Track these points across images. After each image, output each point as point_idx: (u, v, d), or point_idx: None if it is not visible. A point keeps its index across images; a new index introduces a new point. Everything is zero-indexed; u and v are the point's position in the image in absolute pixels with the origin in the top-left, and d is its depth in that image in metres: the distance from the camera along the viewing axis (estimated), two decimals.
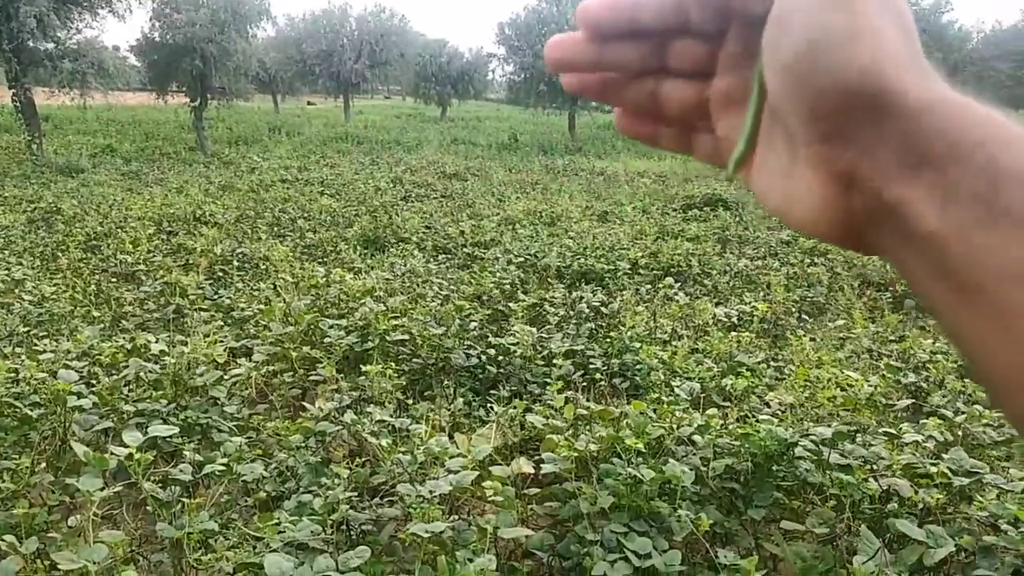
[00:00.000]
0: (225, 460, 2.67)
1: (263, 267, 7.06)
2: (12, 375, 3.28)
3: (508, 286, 6.28)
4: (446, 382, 4.11)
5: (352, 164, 17.59)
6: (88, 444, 2.80)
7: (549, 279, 6.94)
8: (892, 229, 0.31)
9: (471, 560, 2.07)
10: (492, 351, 4.34)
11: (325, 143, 23.72)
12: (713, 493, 2.69)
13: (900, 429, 2.93)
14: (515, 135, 27.18)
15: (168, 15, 20.08)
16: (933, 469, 2.58)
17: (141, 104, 30.93)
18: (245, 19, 21.67)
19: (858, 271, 7.23)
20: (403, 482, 2.50)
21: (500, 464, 2.73)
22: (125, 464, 2.40)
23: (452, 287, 6.24)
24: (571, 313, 5.55)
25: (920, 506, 2.52)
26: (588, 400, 3.64)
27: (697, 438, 2.86)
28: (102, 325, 5.07)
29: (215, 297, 5.87)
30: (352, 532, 2.47)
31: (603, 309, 5.70)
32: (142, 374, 3.57)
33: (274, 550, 2.14)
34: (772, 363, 4.53)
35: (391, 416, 3.16)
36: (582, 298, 5.89)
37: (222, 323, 5.05)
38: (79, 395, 3.04)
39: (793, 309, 6.13)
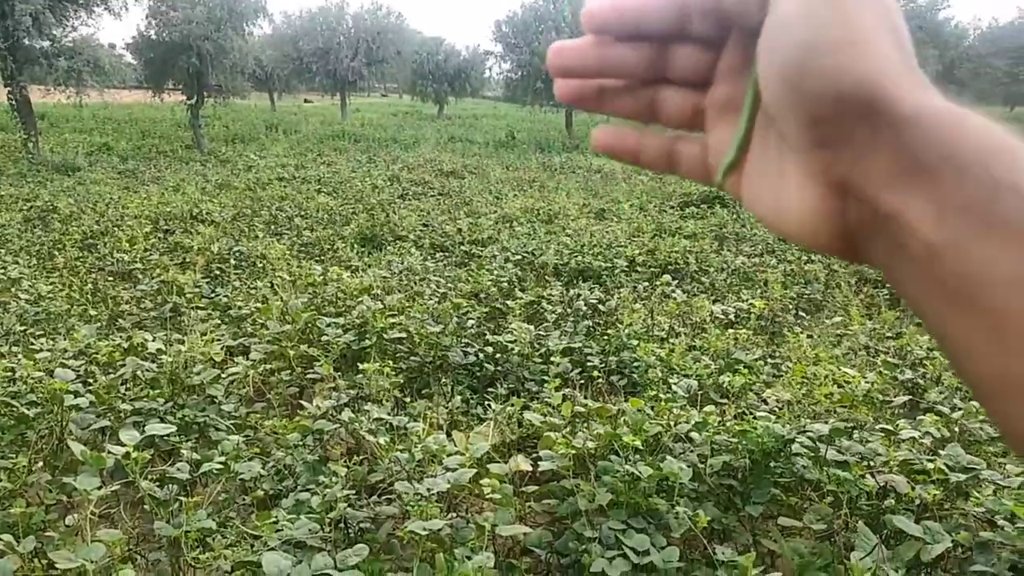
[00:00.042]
0: (223, 458, 2.67)
1: (260, 265, 7.05)
2: (9, 374, 3.28)
3: (506, 284, 6.28)
4: (444, 380, 4.11)
5: (349, 162, 17.57)
6: (85, 443, 2.79)
7: (547, 277, 6.94)
8: (885, 238, 0.31)
9: (469, 558, 2.07)
10: (490, 349, 4.34)
11: (322, 141, 23.69)
12: (711, 490, 2.69)
13: (897, 425, 2.94)
14: (512, 133, 27.17)
15: (164, 12, 20.04)
16: (930, 465, 2.58)
17: (137, 102, 30.87)
18: (241, 16, 21.63)
19: (855, 268, 7.24)
20: (401, 480, 2.50)
21: (498, 462, 2.73)
22: (122, 463, 2.40)
23: (449, 285, 6.23)
24: (568, 311, 5.55)
25: (917, 502, 2.53)
26: (586, 397, 3.64)
27: (695, 435, 2.86)
28: (99, 324, 5.06)
29: (212, 295, 5.86)
30: (350, 530, 2.47)
31: (600, 307, 5.71)
32: (139, 373, 3.56)
33: (272, 548, 2.13)
34: (769, 360, 4.54)
35: (389, 414, 3.16)
36: (579, 296, 5.89)
37: (219, 321, 5.04)
38: (76, 394, 3.04)
39: (790, 306, 6.14)
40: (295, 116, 33.01)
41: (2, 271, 6.19)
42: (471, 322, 4.86)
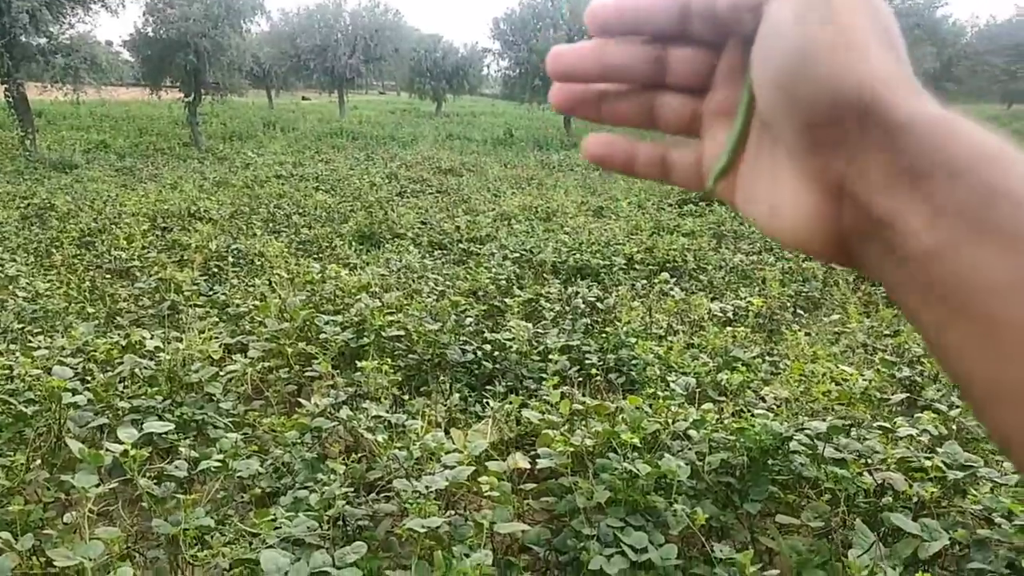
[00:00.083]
0: (221, 456, 2.67)
1: (258, 263, 7.05)
2: (6, 372, 3.27)
3: (504, 282, 6.27)
4: (442, 378, 4.11)
5: (347, 160, 17.55)
6: (83, 441, 2.79)
7: (545, 275, 6.94)
8: (879, 242, 0.31)
9: (468, 555, 2.07)
10: (488, 347, 4.34)
11: (320, 138, 23.65)
12: (709, 487, 2.69)
13: (895, 423, 2.94)
14: (510, 130, 27.16)
15: (161, 10, 19.99)
16: (927, 463, 2.59)
17: (135, 99, 30.80)
18: (239, 14, 21.57)
19: None
20: (399, 478, 2.50)
21: (496, 459, 2.73)
22: (120, 460, 2.40)
23: (448, 283, 6.23)
24: (567, 309, 5.55)
25: (915, 500, 2.54)
26: (584, 395, 3.65)
27: (693, 433, 2.86)
28: (97, 321, 5.05)
29: (210, 293, 5.86)
30: (348, 528, 2.47)
31: (599, 304, 5.71)
32: (137, 370, 3.56)
33: (270, 546, 2.14)
34: (767, 358, 4.54)
35: (387, 412, 3.16)
36: (578, 293, 5.89)
37: (217, 319, 5.04)
38: (74, 392, 3.03)
39: (788, 304, 6.15)
40: (293, 114, 32.96)
41: (0, 269, 6.18)
42: (469, 320, 4.86)
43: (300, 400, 3.53)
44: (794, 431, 2.76)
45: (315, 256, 7.58)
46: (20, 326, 4.70)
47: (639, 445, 2.66)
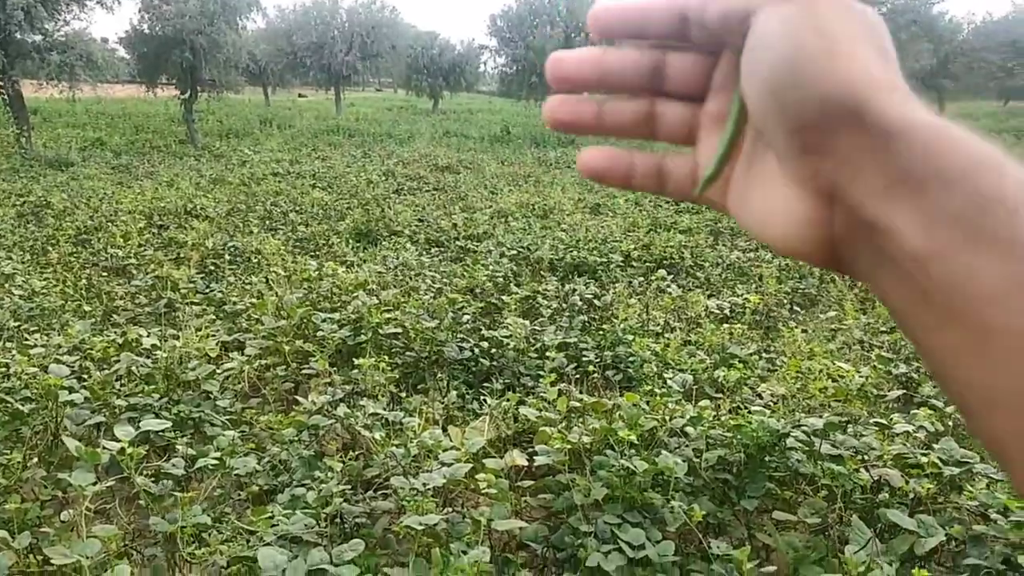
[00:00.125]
0: (218, 454, 2.67)
1: (255, 261, 7.04)
2: (3, 370, 3.27)
3: (501, 279, 6.27)
4: (439, 375, 4.11)
5: (344, 157, 17.53)
6: (80, 439, 2.79)
7: (542, 272, 6.94)
8: (872, 247, 0.31)
9: (465, 552, 2.07)
10: (485, 344, 4.34)
11: (316, 136, 23.61)
12: (706, 484, 2.70)
13: (891, 419, 2.95)
14: (507, 127, 27.13)
15: (157, 7, 19.93)
16: (924, 459, 2.60)
17: (131, 97, 30.73)
18: (235, 10, 21.51)
19: None
20: (397, 475, 2.50)
21: (494, 456, 2.74)
22: (117, 458, 2.39)
23: (445, 280, 6.23)
24: (564, 306, 5.55)
25: (911, 496, 2.54)
26: (581, 392, 3.65)
27: (690, 429, 2.87)
28: (93, 319, 5.04)
29: (207, 291, 5.85)
30: (346, 525, 2.47)
31: (596, 302, 5.71)
32: (134, 368, 3.56)
33: (268, 543, 2.14)
34: (764, 355, 4.55)
35: (384, 409, 3.16)
36: (575, 291, 5.90)
37: (214, 317, 5.03)
38: (71, 390, 3.03)
39: (785, 301, 6.15)
40: (289, 111, 32.90)
41: None
42: (466, 317, 4.86)
43: (297, 398, 3.53)
44: (791, 428, 2.76)
45: (312, 254, 7.58)
46: (16, 324, 4.69)
47: (636, 442, 2.66)
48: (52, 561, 2.00)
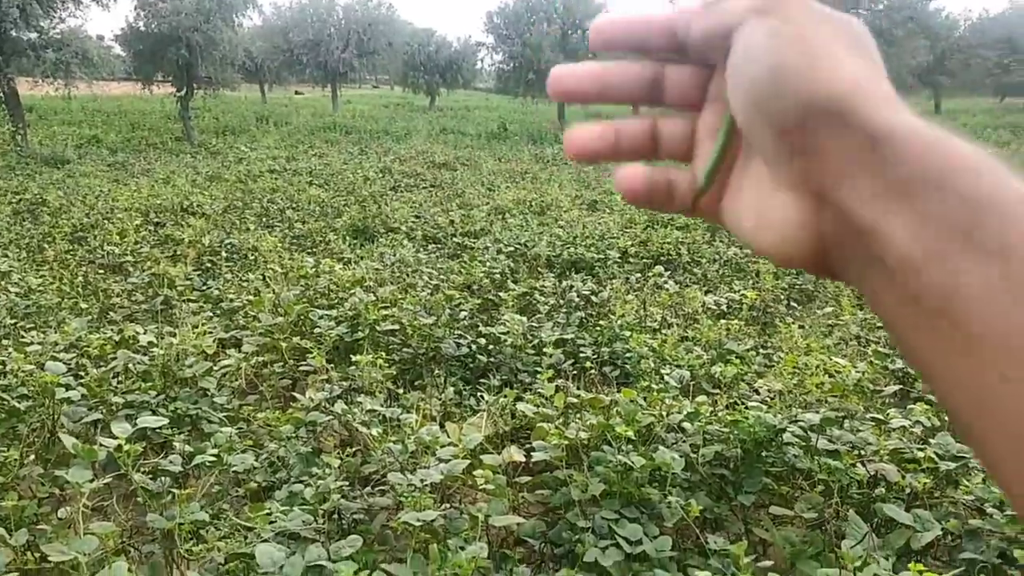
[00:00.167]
0: (215, 451, 2.67)
1: (252, 258, 7.03)
2: (0, 367, 3.26)
3: (498, 275, 6.27)
4: (437, 371, 4.11)
5: (341, 154, 17.51)
6: (77, 436, 2.78)
7: (539, 268, 6.94)
8: (862, 251, 0.31)
9: (463, 548, 2.07)
10: (482, 340, 4.34)
11: (313, 133, 23.57)
12: (703, 479, 2.71)
13: (887, 415, 2.96)
14: (504, 124, 27.09)
15: (153, 4, 19.87)
16: (920, 454, 2.60)
17: (127, 94, 30.64)
18: (231, 7, 21.44)
19: None
20: (394, 471, 2.50)
21: (491, 453, 2.74)
22: (114, 455, 2.39)
23: (442, 277, 6.23)
24: (561, 302, 5.56)
25: (907, 490, 2.55)
26: (578, 388, 3.65)
27: (687, 425, 2.87)
28: (90, 317, 5.04)
29: (204, 288, 5.84)
30: (344, 521, 2.47)
31: (593, 298, 5.71)
32: (131, 365, 3.55)
33: (265, 540, 2.14)
34: (761, 350, 4.56)
35: (382, 406, 3.16)
36: (572, 287, 5.90)
37: (211, 314, 5.03)
38: (67, 387, 3.03)
39: (782, 297, 6.16)
40: (286, 108, 32.82)
41: None
42: (464, 314, 4.86)
43: (295, 394, 3.53)
44: (788, 423, 2.77)
45: (309, 251, 7.57)
46: (13, 322, 4.68)
47: (633, 438, 2.66)
48: (49, 558, 1.99)
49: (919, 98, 41.85)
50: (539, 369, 3.80)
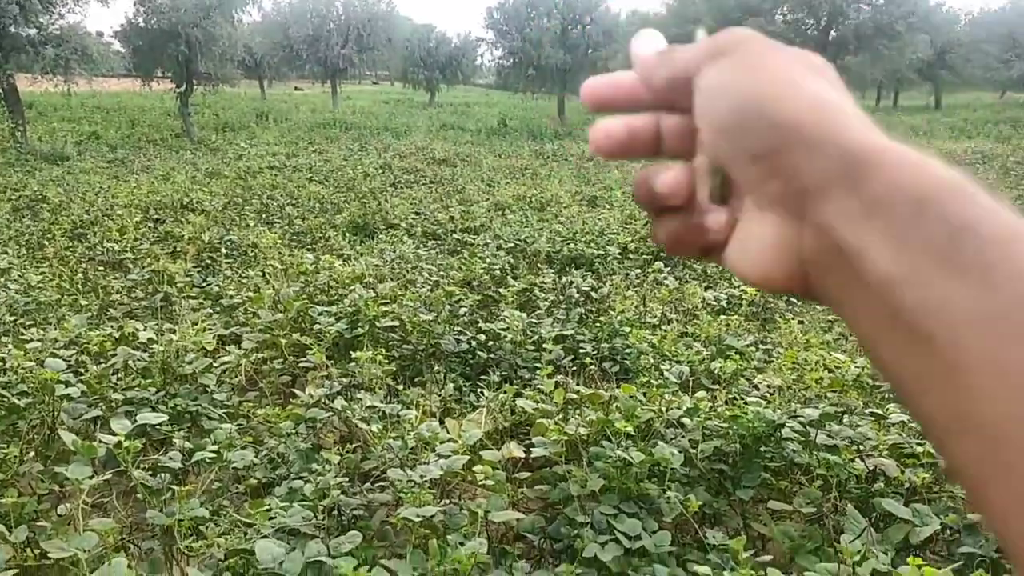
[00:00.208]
0: (215, 447, 2.67)
1: (251, 254, 7.03)
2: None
3: (498, 271, 6.27)
4: (436, 368, 4.11)
5: (340, 150, 17.49)
6: (77, 432, 2.79)
7: (539, 264, 6.94)
8: (842, 272, 0.31)
9: (462, 544, 2.08)
10: (482, 336, 4.34)
11: (313, 129, 23.55)
12: (702, 475, 2.71)
13: (886, 410, 2.96)
14: (504, 120, 27.07)
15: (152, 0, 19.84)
16: (919, 449, 2.61)
17: (126, 90, 30.60)
18: (230, 3, 21.41)
19: None
20: (394, 467, 2.51)
21: (491, 448, 2.74)
22: (114, 452, 2.39)
23: (442, 273, 6.23)
24: (561, 298, 5.56)
25: (906, 485, 2.55)
26: (578, 384, 3.65)
27: (686, 421, 2.88)
28: (89, 313, 5.04)
29: (203, 285, 5.84)
30: (343, 517, 2.48)
31: (593, 294, 5.71)
32: (130, 362, 3.55)
33: (265, 536, 2.14)
34: (760, 346, 4.56)
35: (381, 402, 3.16)
36: (572, 283, 5.90)
37: (211, 311, 5.03)
38: (67, 384, 3.03)
39: None
40: (285, 104, 32.78)
41: None
42: (464, 310, 4.86)
43: (294, 391, 3.54)
44: (787, 418, 2.77)
45: (309, 247, 7.57)
46: (12, 318, 4.68)
47: (633, 433, 2.67)
48: (49, 555, 2.00)
49: (920, 93, 41.82)
50: (539, 365, 3.80)
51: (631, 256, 7.24)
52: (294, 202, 9.95)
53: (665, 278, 6.24)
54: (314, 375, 3.90)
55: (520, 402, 3.08)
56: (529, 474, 2.77)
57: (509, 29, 31.47)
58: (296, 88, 46.91)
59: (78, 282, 5.85)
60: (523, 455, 2.76)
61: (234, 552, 2.18)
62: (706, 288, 6.10)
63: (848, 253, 0.31)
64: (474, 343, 4.29)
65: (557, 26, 30.02)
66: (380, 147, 18.31)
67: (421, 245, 7.76)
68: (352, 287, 5.08)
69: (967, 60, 34.83)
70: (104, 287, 5.76)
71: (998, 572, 2.16)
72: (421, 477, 2.34)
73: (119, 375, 3.49)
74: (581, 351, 4.20)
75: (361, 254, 7.20)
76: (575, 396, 3.05)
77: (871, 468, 2.64)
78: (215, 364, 3.65)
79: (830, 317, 5.42)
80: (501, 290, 5.53)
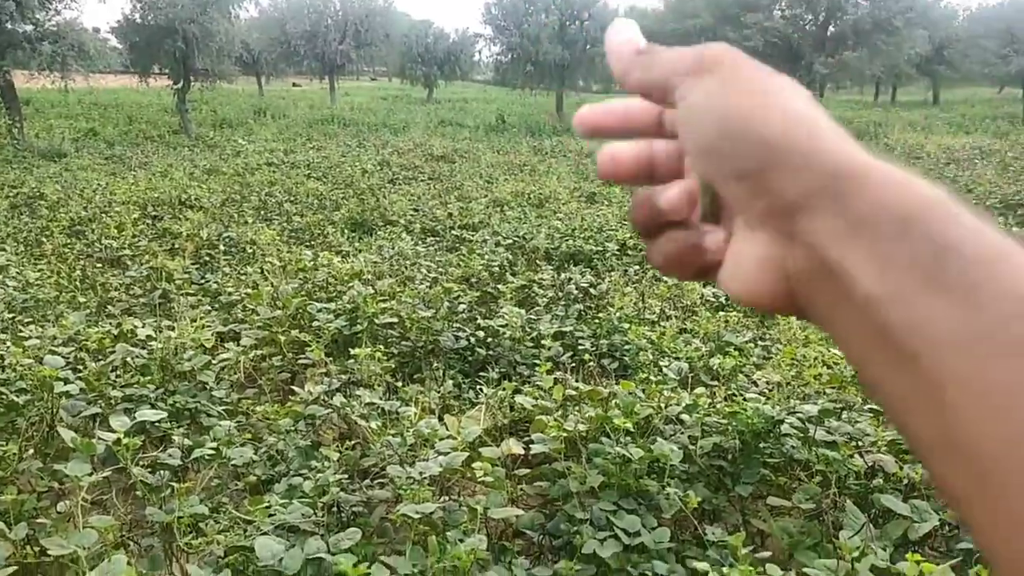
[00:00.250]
0: (214, 444, 2.67)
1: (250, 251, 7.02)
2: None
3: (497, 268, 6.27)
4: (435, 364, 4.11)
5: (339, 147, 17.47)
6: (76, 430, 2.78)
7: (537, 261, 6.94)
8: (829, 290, 0.31)
9: (462, 540, 2.08)
10: (481, 333, 4.34)
11: (311, 125, 23.52)
12: (701, 471, 2.71)
13: None
14: (502, 116, 27.04)
15: None
16: None
17: (123, 87, 30.53)
18: None
19: None
20: (393, 464, 2.51)
21: (490, 445, 2.75)
22: (113, 449, 2.39)
23: (440, 269, 6.23)
24: (560, 294, 5.56)
25: (905, 481, 2.56)
26: (577, 381, 3.65)
27: (685, 417, 2.88)
28: (88, 311, 5.03)
29: (202, 282, 5.84)
30: (343, 514, 2.48)
31: (591, 290, 5.72)
32: (129, 359, 3.55)
33: (265, 533, 2.14)
34: (759, 342, 4.56)
35: (380, 399, 3.16)
36: (570, 279, 5.90)
37: (209, 308, 5.03)
38: (66, 381, 3.02)
39: None
40: (283, 100, 32.74)
41: None
42: (462, 306, 4.86)
43: (293, 388, 3.53)
44: (786, 414, 2.77)
45: (307, 244, 7.56)
46: (11, 316, 4.68)
47: (632, 430, 2.67)
48: (49, 552, 2.00)
49: (918, 88, 41.80)
50: (537, 362, 3.80)
51: (630, 252, 7.23)
52: (292, 199, 9.94)
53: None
54: (313, 372, 3.90)
55: (519, 399, 3.08)
56: (528, 471, 2.77)
57: (507, 25, 31.40)
58: (294, 84, 46.84)
59: (76, 279, 5.85)
60: (522, 452, 2.76)
61: (234, 549, 2.18)
62: (705, 284, 6.10)
63: (834, 271, 0.31)
64: (473, 340, 4.29)
65: (555, 22, 29.96)
66: (378, 143, 18.28)
67: (420, 242, 7.75)
68: (351, 284, 5.08)
69: (965, 56, 34.83)
70: (102, 284, 5.75)
71: None
72: (420, 474, 2.35)
73: (118, 372, 3.49)
74: (580, 347, 4.21)
75: (360, 251, 7.19)
76: (574, 393, 3.06)
77: (870, 464, 2.64)
78: (214, 361, 3.65)
79: None
80: (500, 286, 5.54)
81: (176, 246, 7.14)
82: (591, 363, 4.08)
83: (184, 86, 20.08)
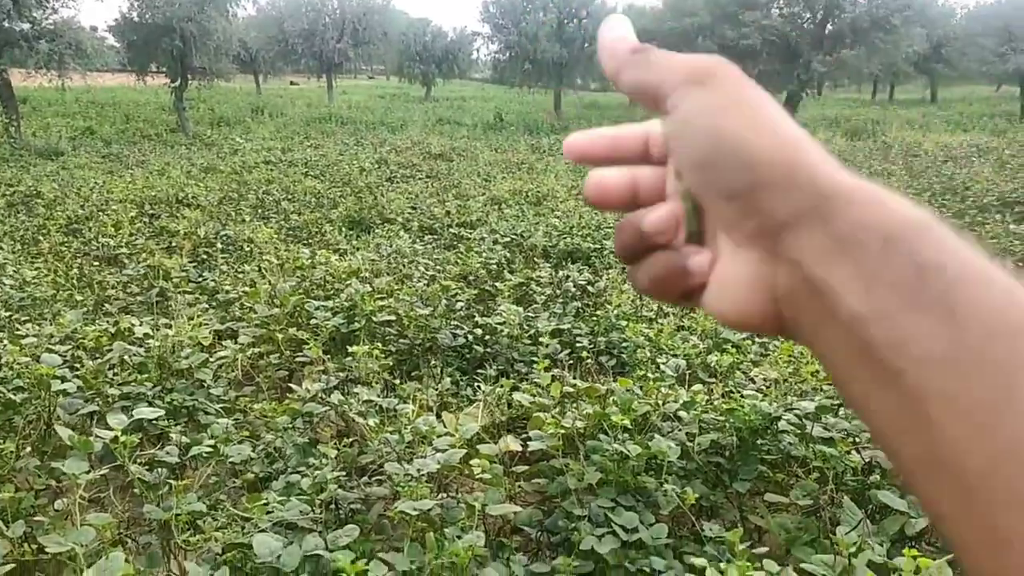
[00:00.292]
0: (212, 442, 2.67)
1: (247, 249, 7.01)
2: None
3: (494, 266, 6.27)
4: (433, 362, 4.11)
5: (336, 145, 17.45)
6: (73, 428, 2.78)
7: (535, 258, 6.94)
8: (814, 308, 0.32)
9: (459, 537, 2.08)
10: (479, 331, 4.34)
11: (308, 124, 23.49)
12: (699, 467, 2.72)
13: None
14: (500, 115, 27.01)
15: None
16: None
17: (121, 85, 30.48)
18: None
19: None
20: (391, 461, 2.51)
21: (488, 442, 2.75)
22: (111, 447, 2.39)
23: (438, 267, 6.23)
24: (557, 292, 5.56)
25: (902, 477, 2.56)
26: (575, 378, 3.66)
27: (683, 414, 2.88)
28: (85, 309, 5.03)
29: (199, 280, 5.83)
30: (340, 511, 2.48)
31: (589, 288, 5.72)
32: (126, 357, 3.55)
33: (263, 530, 2.14)
34: (757, 339, 4.56)
35: (378, 396, 3.16)
36: (568, 277, 5.90)
37: (207, 306, 5.02)
38: (63, 379, 3.02)
39: None
40: (281, 99, 32.69)
41: None
42: (460, 304, 4.86)
43: (291, 385, 3.53)
44: (783, 411, 2.78)
45: (305, 242, 7.56)
46: (8, 314, 4.67)
47: (630, 427, 2.67)
48: (47, 550, 2.00)
49: (916, 86, 41.83)
50: (535, 359, 3.80)
51: None
52: (290, 197, 9.93)
53: None
54: (311, 370, 3.90)
55: (517, 396, 3.08)
56: (526, 467, 2.77)
57: (505, 23, 31.39)
58: (291, 83, 46.77)
59: (73, 277, 5.84)
60: (520, 449, 2.76)
61: (232, 546, 2.18)
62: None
63: (820, 290, 0.31)
64: (471, 337, 4.29)
65: (553, 20, 29.95)
66: (376, 142, 18.26)
67: (417, 240, 7.75)
68: (348, 282, 5.07)
69: (963, 54, 34.83)
70: (99, 282, 5.75)
71: None
72: (418, 471, 2.35)
73: (115, 370, 3.48)
74: (578, 345, 4.21)
75: (357, 249, 7.19)
76: (572, 390, 3.06)
77: (867, 460, 2.64)
78: (211, 359, 3.65)
79: None
80: (498, 284, 5.53)
81: (173, 244, 7.13)
82: (589, 360, 4.08)
83: (182, 84, 20.05)
